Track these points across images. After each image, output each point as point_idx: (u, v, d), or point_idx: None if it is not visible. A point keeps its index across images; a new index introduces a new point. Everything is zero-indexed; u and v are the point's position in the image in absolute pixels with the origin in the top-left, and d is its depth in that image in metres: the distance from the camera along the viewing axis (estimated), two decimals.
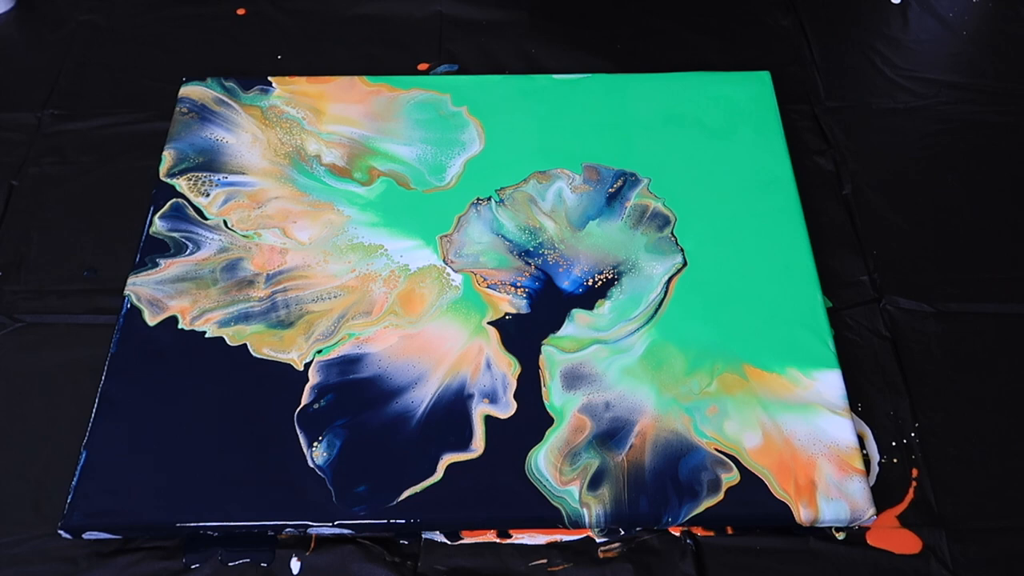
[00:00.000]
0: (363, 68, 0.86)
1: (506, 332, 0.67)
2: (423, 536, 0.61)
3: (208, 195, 0.74)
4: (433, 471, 0.61)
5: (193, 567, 0.59)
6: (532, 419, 0.63)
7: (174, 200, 0.74)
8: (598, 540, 0.61)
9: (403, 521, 0.59)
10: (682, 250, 0.72)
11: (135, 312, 0.68)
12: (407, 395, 0.64)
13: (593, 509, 0.59)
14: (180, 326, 0.67)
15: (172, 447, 0.62)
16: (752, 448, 0.62)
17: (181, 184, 0.75)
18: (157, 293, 0.69)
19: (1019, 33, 0.91)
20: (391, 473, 0.61)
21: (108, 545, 0.60)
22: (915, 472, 0.64)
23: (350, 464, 0.61)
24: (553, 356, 0.66)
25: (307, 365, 0.65)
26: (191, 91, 0.81)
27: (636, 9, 0.93)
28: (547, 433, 0.62)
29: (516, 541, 0.61)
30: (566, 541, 0.61)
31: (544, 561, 0.60)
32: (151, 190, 0.75)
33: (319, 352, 0.66)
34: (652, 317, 0.68)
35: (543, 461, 0.61)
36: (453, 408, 0.63)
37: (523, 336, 0.67)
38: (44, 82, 0.86)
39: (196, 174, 0.76)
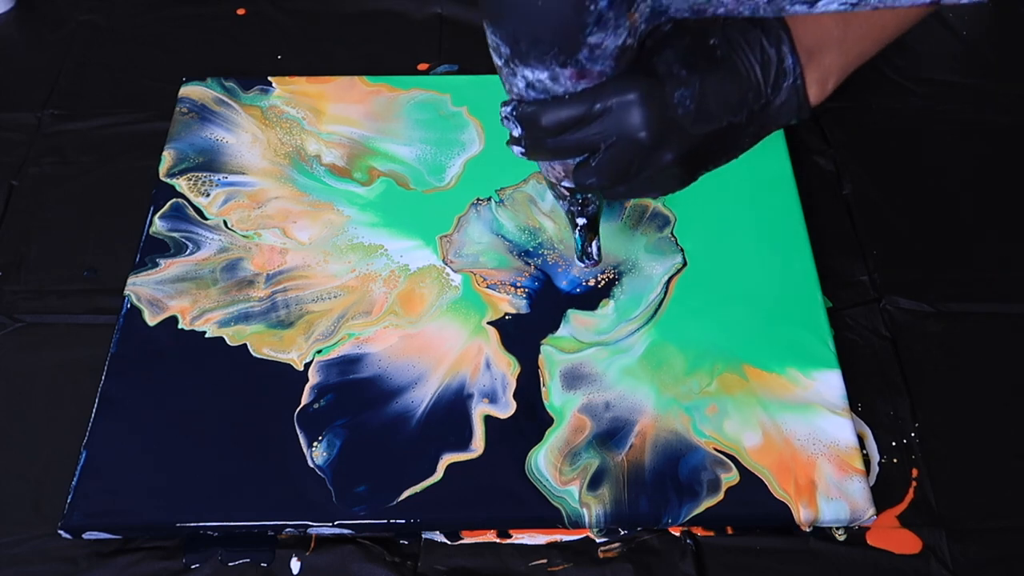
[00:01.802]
0: (363, 68, 0.86)
1: (506, 332, 0.67)
2: (423, 536, 0.61)
3: (208, 195, 0.74)
4: (433, 471, 0.61)
5: (193, 567, 0.59)
6: (532, 419, 0.63)
7: (174, 200, 0.74)
8: (598, 540, 0.61)
9: (403, 521, 0.59)
10: (682, 250, 0.72)
11: (135, 312, 0.68)
12: (407, 395, 0.64)
13: (593, 509, 0.59)
14: (180, 326, 0.67)
15: (172, 447, 0.62)
16: (752, 448, 0.62)
17: (181, 184, 0.75)
18: (157, 293, 0.69)
19: (1019, 33, 0.91)
20: (391, 473, 0.61)
21: (108, 545, 0.60)
22: (915, 472, 0.64)
23: (350, 464, 0.61)
24: (553, 356, 0.66)
25: (307, 365, 0.65)
26: (191, 91, 0.81)
27: None
28: (547, 433, 0.62)
29: (516, 541, 0.61)
30: (566, 541, 0.61)
31: (544, 561, 0.60)
32: (151, 190, 0.75)
33: (319, 352, 0.66)
34: (652, 317, 0.68)
35: (543, 461, 0.61)
36: (453, 408, 0.63)
37: (523, 336, 0.67)
38: (44, 82, 0.86)
39: (196, 174, 0.76)
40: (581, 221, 0.62)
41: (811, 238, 0.72)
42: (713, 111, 0.51)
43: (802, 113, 0.53)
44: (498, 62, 0.51)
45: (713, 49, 0.51)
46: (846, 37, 0.52)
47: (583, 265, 0.65)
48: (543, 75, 0.49)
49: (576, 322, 0.68)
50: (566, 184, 0.58)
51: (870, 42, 0.53)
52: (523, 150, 0.54)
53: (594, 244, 0.63)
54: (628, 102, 0.50)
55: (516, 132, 0.53)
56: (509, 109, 0.52)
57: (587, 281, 0.70)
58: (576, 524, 0.60)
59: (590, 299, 0.69)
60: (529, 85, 0.51)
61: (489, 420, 0.63)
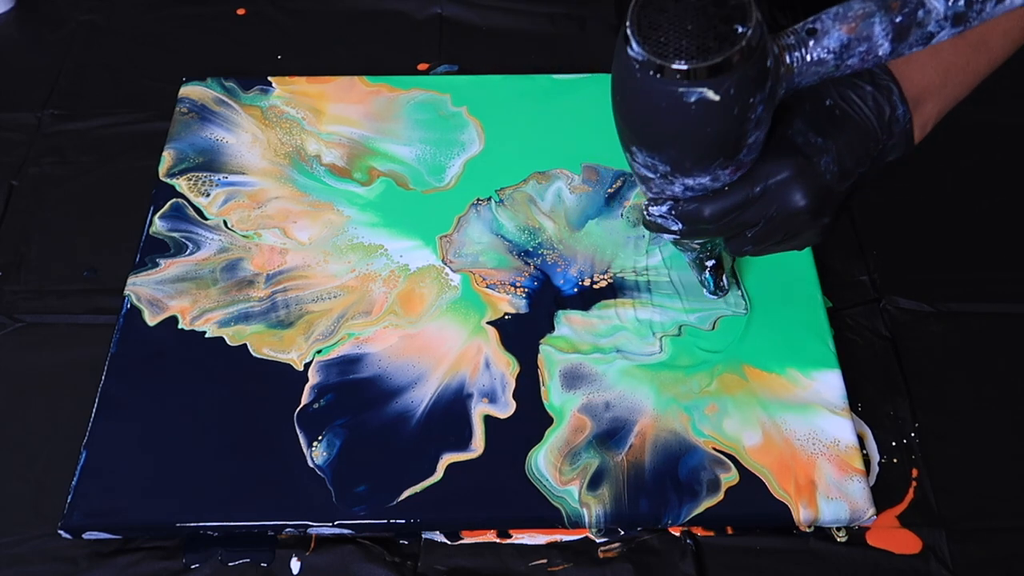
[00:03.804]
0: (363, 68, 0.86)
1: (505, 332, 0.67)
2: (423, 536, 0.61)
3: (208, 195, 0.74)
4: (433, 471, 0.61)
5: (193, 567, 0.60)
6: (532, 419, 0.63)
7: (174, 200, 0.74)
8: (597, 540, 0.61)
9: (403, 521, 0.59)
10: None
11: (135, 312, 0.68)
12: (407, 395, 0.64)
13: (593, 509, 0.59)
14: (180, 326, 0.67)
15: (172, 447, 0.62)
16: (751, 447, 0.62)
17: (181, 184, 0.75)
18: (157, 293, 0.69)
19: None
20: (391, 473, 0.61)
21: (108, 545, 0.61)
22: (915, 472, 0.64)
23: (350, 464, 0.61)
24: (552, 356, 0.66)
25: (307, 365, 0.65)
26: (191, 91, 0.81)
27: None
28: (547, 433, 0.62)
29: (516, 541, 0.61)
30: (566, 541, 0.61)
31: (544, 561, 0.60)
32: (151, 190, 0.75)
33: (319, 352, 0.66)
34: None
35: (543, 461, 0.61)
36: (452, 408, 0.63)
37: (522, 336, 0.67)
38: (44, 82, 0.86)
39: (196, 174, 0.76)
40: (710, 263, 0.65)
41: None
42: (849, 168, 0.55)
43: (907, 153, 0.57)
44: (650, 175, 0.53)
45: (832, 109, 0.55)
46: (945, 85, 0.57)
47: (714, 297, 0.68)
48: (704, 179, 0.52)
49: (576, 322, 0.68)
50: (698, 241, 0.61)
51: (964, 88, 0.59)
52: (676, 238, 0.58)
53: (724, 278, 0.66)
54: (785, 180, 0.53)
55: (675, 227, 0.56)
56: (665, 209, 0.55)
57: (583, 281, 0.70)
58: (576, 524, 0.60)
59: (589, 299, 0.69)
60: (687, 188, 0.54)
61: (489, 420, 0.63)
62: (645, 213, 0.57)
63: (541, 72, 0.84)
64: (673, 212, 0.55)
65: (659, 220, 0.56)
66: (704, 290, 0.67)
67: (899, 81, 0.55)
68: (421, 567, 0.60)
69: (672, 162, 0.51)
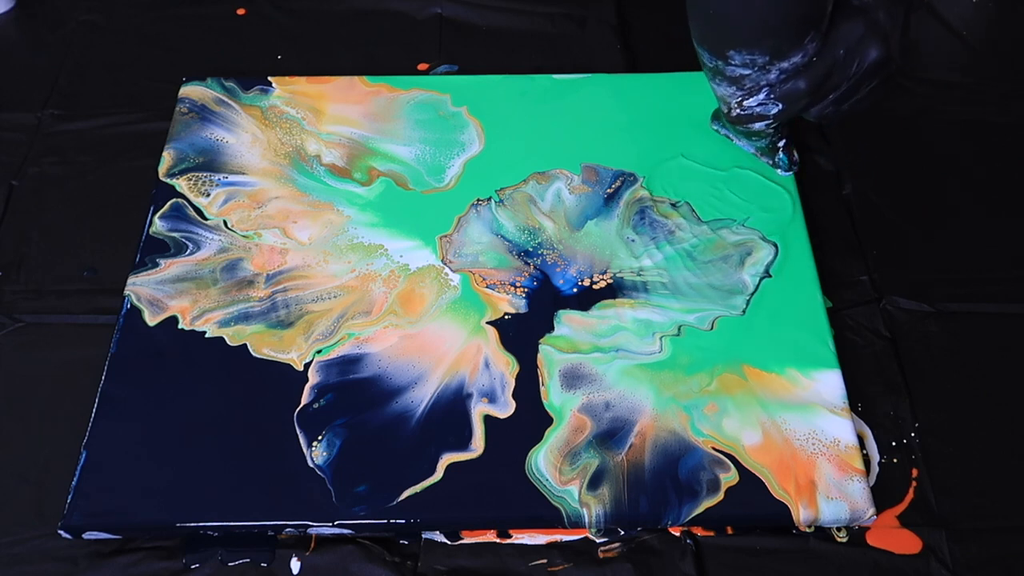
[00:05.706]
0: (363, 68, 0.86)
1: (505, 332, 0.67)
2: (423, 536, 0.61)
3: (208, 195, 0.74)
4: (433, 471, 0.61)
5: (193, 567, 0.60)
6: (531, 419, 0.63)
7: (174, 200, 0.74)
8: (597, 540, 0.61)
9: (403, 521, 0.59)
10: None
11: (135, 312, 0.68)
12: (407, 395, 0.64)
13: (593, 509, 0.59)
14: (180, 326, 0.67)
15: (172, 447, 0.62)
16: (751, 448, 0.62)
17: (181, 184, 0.75)
18: (157, 293, 0.69)
19: (1019, 33, 0.91)
20: (391, 473, 0.61)
21: (108, 545, 0.61)
22: (915, 472, 0.64)
23: (350, 464, 0.61)
24: (552, 356, 0.66)
25: (307, 365, 0.65)
26: (191, 91, 0.81)
27: (637, 8, 0.93)
28: (547, 433, 0.62)
29: (516, 541, 0.61)
30: (566, 541, 0.61)
31: (544, 561, 0.60)
32: (151, 190, 0.75)
33: (319, 352, 0.66)
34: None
35: (543, 461, 0.61)
36: (452, 408, 0.63)
37: (522, 336, 0.67)
38: (44, 82, 0.86)
39: (196, 174, 0.76)
40: (782, 143, 0.73)
41: (811, 238, 0.72)
42: (889, 21, 0.64)
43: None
44: (746, 72, 0.62)
45: None
46: None
47: (788, 174, 0.74)
48: (796, 58, 0.62)
49: (576, 323, 0.68)
50: (773, 126, 0.69)
51: None
52: (771, 122, 0.66)
53: (794, 152, 0.74)
54: (862, 37, 0.62)
55: (774, 111, 0.64)
56: (763, 96, 0.63)
57: (583, 281, 0.70)
58: (576, 524, 0.60)
59: (589, 299, 0.69)
60: (782, 72, 0.62)
61: (489, 420, 0.63)
62: (736, 109, 0.64)
63: (541, 72, 0.84)
64: (773, 96, 0.63)
65: (757, 109, 0.64)
66: (778, 170, 0.73)
67: None
68: (421, 567, 0.60)
69: (772, 50, 0.60)
